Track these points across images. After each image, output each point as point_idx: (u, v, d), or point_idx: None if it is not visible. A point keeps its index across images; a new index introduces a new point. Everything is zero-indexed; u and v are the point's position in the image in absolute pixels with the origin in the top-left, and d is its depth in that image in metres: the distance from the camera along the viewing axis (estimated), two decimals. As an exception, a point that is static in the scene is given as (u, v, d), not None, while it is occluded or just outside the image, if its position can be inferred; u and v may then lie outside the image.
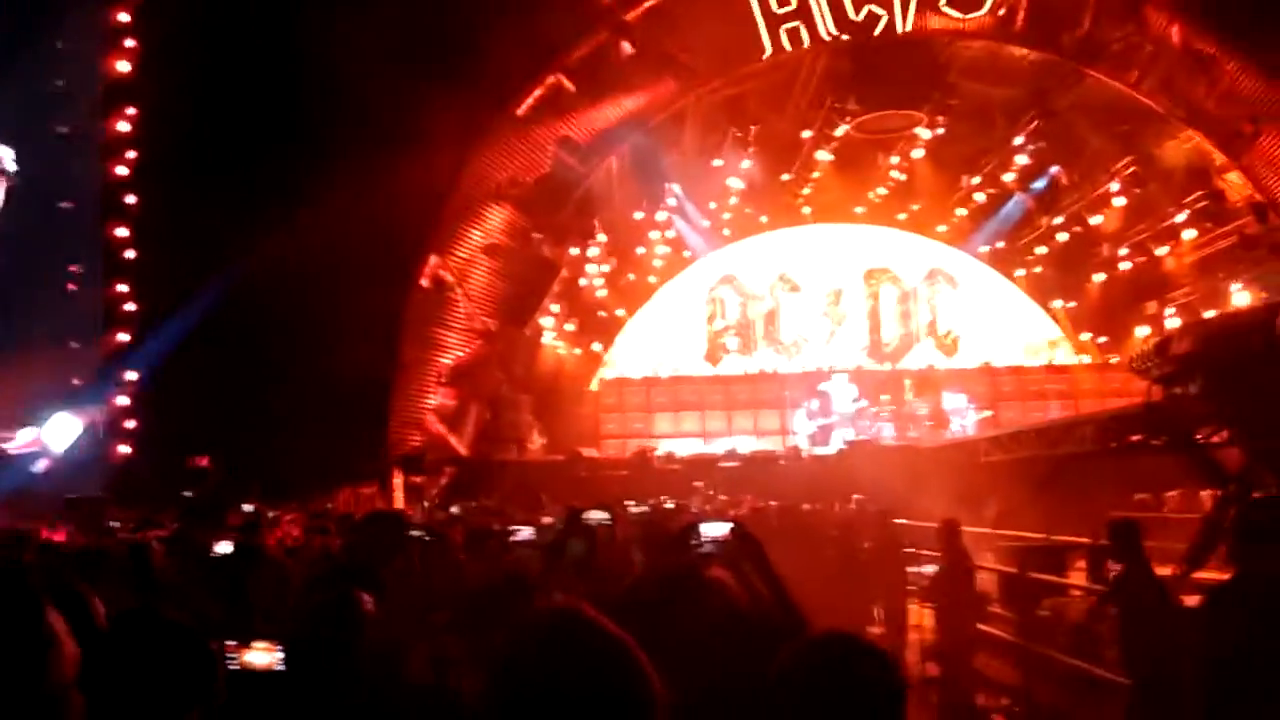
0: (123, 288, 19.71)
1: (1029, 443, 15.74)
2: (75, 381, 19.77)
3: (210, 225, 17.95)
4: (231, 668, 3.07)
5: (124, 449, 19.63)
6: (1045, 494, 13.77)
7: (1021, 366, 26.93)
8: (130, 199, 19.75)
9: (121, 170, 19.72)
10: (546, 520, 8.28)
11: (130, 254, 19.74)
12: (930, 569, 10.32)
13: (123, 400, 19.68)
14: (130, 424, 19.73)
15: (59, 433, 19.16)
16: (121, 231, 19.68)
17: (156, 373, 19.36)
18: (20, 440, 18.69)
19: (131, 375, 19.70)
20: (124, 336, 19.68)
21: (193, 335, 18.48)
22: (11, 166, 19.22)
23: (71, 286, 20.06)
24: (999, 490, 14.73)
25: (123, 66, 19.86)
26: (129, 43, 19.91)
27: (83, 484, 17.86)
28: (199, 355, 18.41)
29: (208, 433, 17.89)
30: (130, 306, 19.72)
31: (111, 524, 12.18)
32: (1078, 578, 10.16)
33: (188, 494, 16.07)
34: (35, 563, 7.43)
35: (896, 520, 11.16)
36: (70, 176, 19.91)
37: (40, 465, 18.68)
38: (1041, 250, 26.91)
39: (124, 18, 19.99)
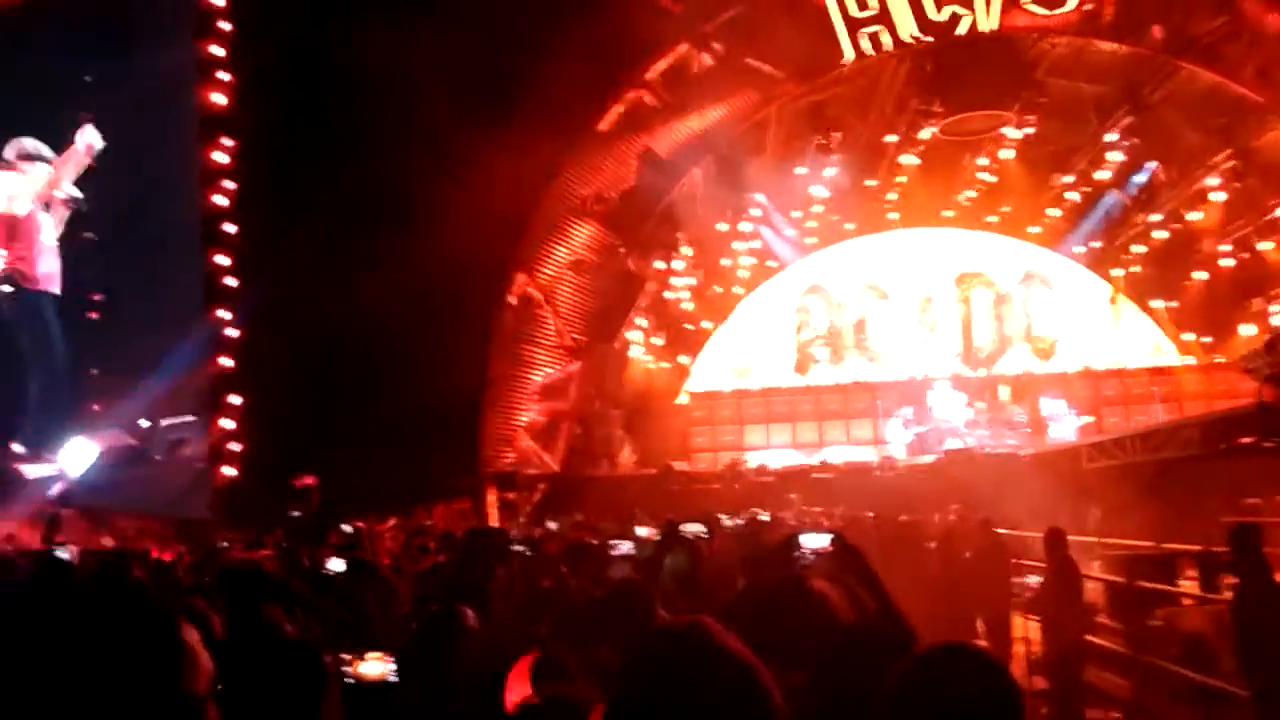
0: (224, 314, 20.32)
1: (1133, 448, 15.33)
2: (95, 408, 20.46)
3: (305, 251, 18.48)
4: (346, 679, 3.14)
5: (229, 471, 20.19)
6: (1152, 500, 13.38)
7: (1123, 369, 26.20)
8: (229, 228, 20.39)
9: (220, 200, 20.37)
10: (643, 534, 8.28)
11: (231, 281, 20.36)
12: (1035, 579, 10.09)
13: (227, 423, 20.26)
14: (235, 446, 20.29)
15: (76, 457, 19.86)
16: (221, 259, 20.31)
17: (258, 395, 19.91)
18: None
19: (235, 399, 20.29)
20: (226, 362, 20.27)
21: (291, 357, 18.97)
22: (75, 192, 20.13)
23: (94, 315, 20.76)
24: (1103, 497, 14.36)
25: (218, 99, 20.53)
26: (223, 76, 20.58)
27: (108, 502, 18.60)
28: (296, 376, 18.88)
29: (307, 452, 18.33)
30: (232, 332, 20.32)
31: (222, 544, 12.56)
32: (1189, 586, 9.85)
33: (295, 513, 16.46)
34: (149, 581, 7.69)
35: (998, 530, 10.93)
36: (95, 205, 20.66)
37: (56, 488, 19.37)
38: (1139, 249, 26.16)
39: (218, 51, 20.67)
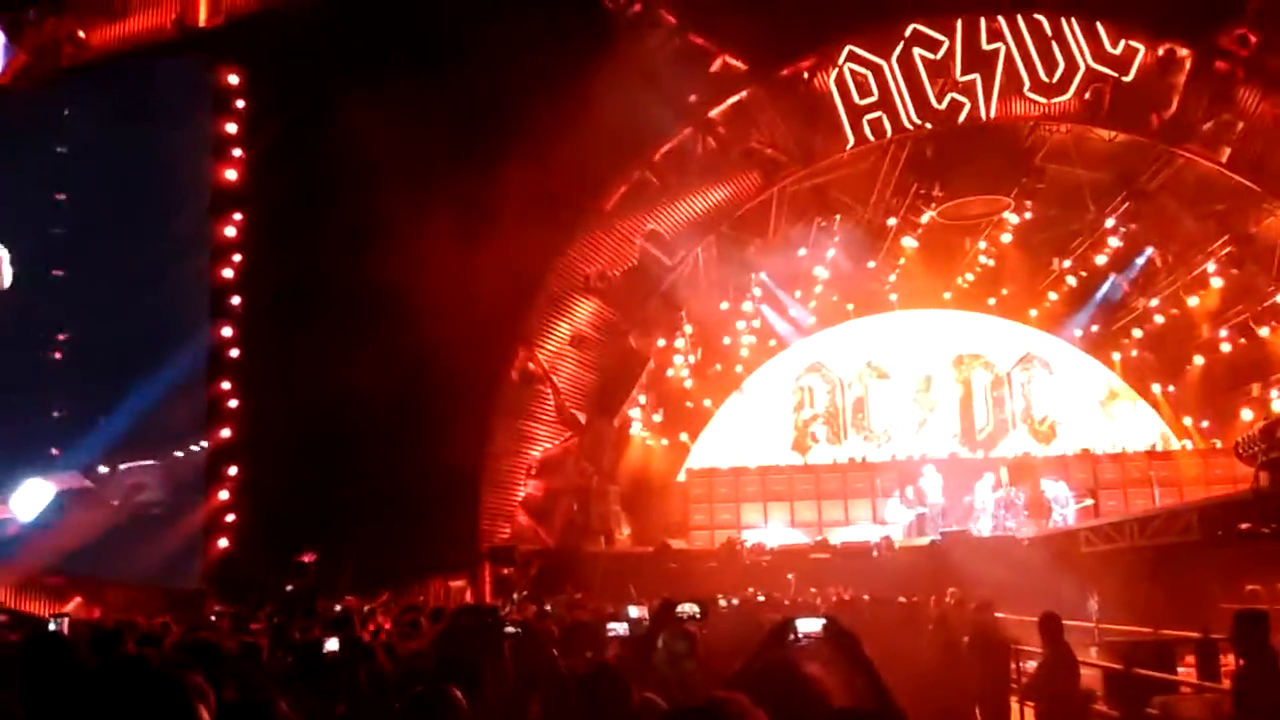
0: (226, 385, 20.40)
1: (1131, 533, 15.29)
2: (54, 451, 20.41)
3: (307, 323, 18.63)
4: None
5: (223, 543, 20.09)
6: (1150, 585, 13.30)
7: (1123, 453, 26.19)
8: (235, 300, 20.58)
9: (227, 273, 20.60)
10: (634, 614, 8.23)
11: (234, 353, 20.47)
12: (1031, 665, 10.00)
13: (223, 495, 20.21)
14: (230, 518, 20.21)
15: (29, 500, 19.73)
16: (226, 331, 20.46)
17: (256, 467, 19.90)
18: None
19: (232, 470, 20.27)
20: (226, 433, 20.30)
21: (290, 429, 18.99)
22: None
23: (57, 355, 20.83)
24: (1101, 582, 14.27)
25: (230, 174, 20.87)
26: (236, 152, 20.95)
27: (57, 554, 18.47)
28: (295, 449, 18.89)
29: (302, 525, 18.25)
30: (233, 403, 20.38)
31: (211, 617, 12.47)
32: (1187, 674, 9.77)
33: (289, 588, 16.35)
34: (140, 655, 7.63)
35: (996, 614, 10.85)
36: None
37: (7, 531, 19.26)
38: (1138, 333, 26.34)
39: (231, 128, 21.06)
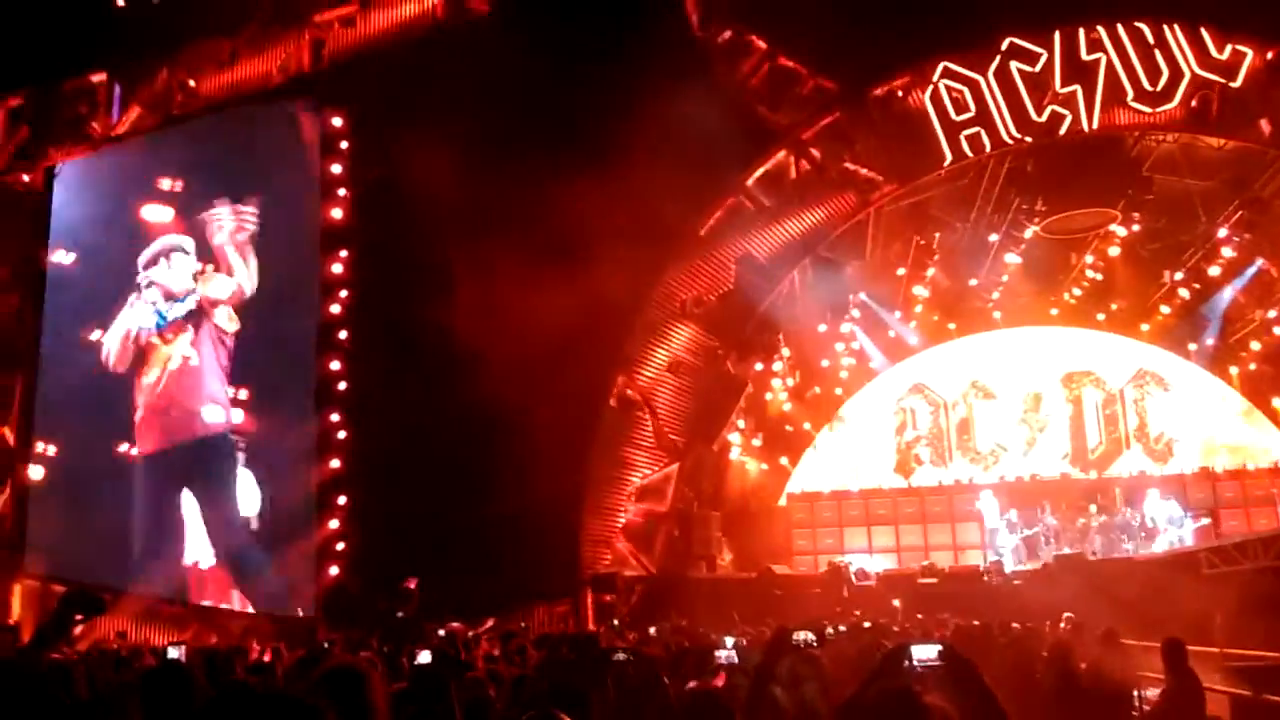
0: (335, 417, 20.93)
1: (1255, 553, 14.69)
2: None
3: (410, 356, 19.04)
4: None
5: (333, 570, 20.53)
6: (1277, 608, 12.74)
7: (1243, 470, 25.17)
8: (342, 334, 21.16)
9: (335, 308, 21.21)
10: (731, 642, 8.13)
11: (342, 385, 21.01)
12: (1153, 693, 9.64)
13: (333, 524, 20.67)
14: (339, 546, 20.65)
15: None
16: (335, 365, 21.03)
17: (363, 496, 20.33)
18: None
19: (341, 499, 20.73)
20: (335, 463, 20.80)
21: (396, 459, 19.36)
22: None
23: None
24: (1225, 605, 13.72)
25: (336, 213, 21.53)
26: (341, 191, 21.61)
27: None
28: (400, 478, 19.25)
29: (409, 553, 18.56)
30: (342, 435, 20.89)
31: (325, 644, 12.74)
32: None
33: (399, 614, 16.61)
34: (253, 681, 7.82)
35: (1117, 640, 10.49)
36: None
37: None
38: (1256, 346, 25.33)
39: (336, 169, 21.72)
